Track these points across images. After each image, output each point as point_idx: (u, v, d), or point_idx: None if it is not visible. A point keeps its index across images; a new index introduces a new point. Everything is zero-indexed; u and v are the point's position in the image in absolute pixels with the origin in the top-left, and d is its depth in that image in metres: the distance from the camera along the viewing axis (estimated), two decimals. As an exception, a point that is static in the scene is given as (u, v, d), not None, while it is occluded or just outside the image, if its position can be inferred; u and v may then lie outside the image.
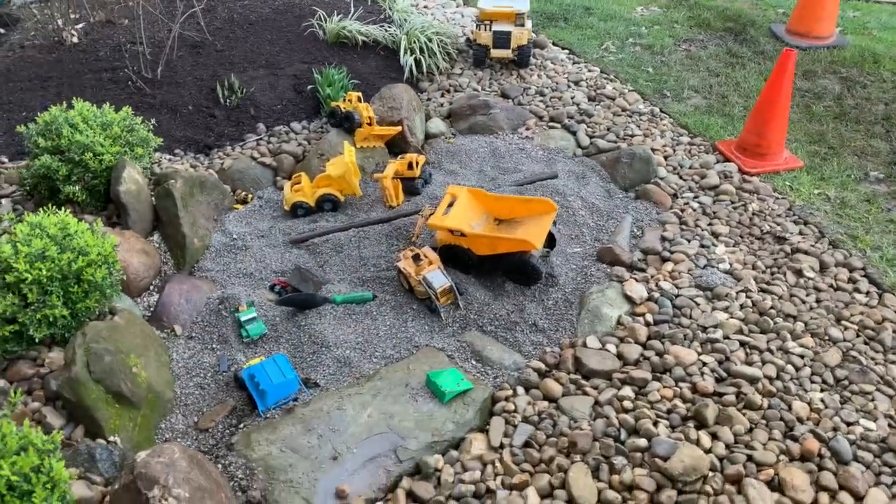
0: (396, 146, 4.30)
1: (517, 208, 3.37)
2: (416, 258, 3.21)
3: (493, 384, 2.83)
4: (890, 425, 2.57)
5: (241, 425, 2.65)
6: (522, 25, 5.10)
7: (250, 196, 3.96)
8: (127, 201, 3.41)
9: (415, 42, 5.16)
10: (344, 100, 4.27)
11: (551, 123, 4.57)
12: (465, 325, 3.11)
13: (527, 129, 4.54)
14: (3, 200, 3.57)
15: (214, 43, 5.17)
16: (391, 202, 3.80)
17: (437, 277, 3.12)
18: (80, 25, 5.50)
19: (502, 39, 5.05)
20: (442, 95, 4.98)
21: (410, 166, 3.85)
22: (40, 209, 3.14)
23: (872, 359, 2.85)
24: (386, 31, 5.37)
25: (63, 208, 3.11)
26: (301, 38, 5.37)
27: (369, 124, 4.13)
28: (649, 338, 2.95)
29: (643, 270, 3.33)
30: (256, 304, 3.13)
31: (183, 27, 5.07)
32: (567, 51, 5.63)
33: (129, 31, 5.47)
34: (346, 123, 4.16)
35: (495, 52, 5.11)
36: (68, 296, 2.67)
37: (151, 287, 3.28)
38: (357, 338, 3.03)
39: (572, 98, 4.82)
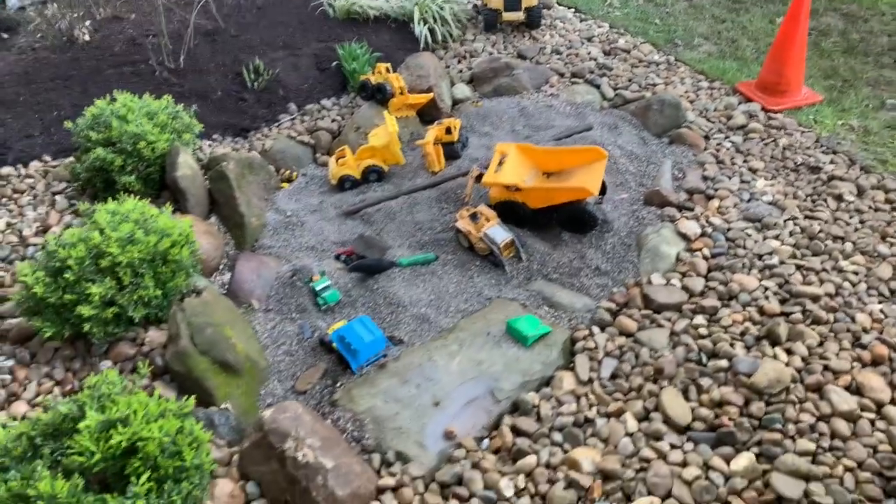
0: (427, 114, 4.38)
1: (567, 159, 3.48)
2: (474, 217, 3.33)
3: (570, 326, 2.96)
4: (948, 326, 2.75)
5: (338, 384, 2.77)
6: (531, -12, 5.17)
7: (295, 174, 4.04)
8: (185, 186, 3.48)
9: (427, 12, 5.22)
10: (373, 72, 4.34)
11: (574, 79, 4.67)
12: (530, 275, 3.23)
13: (551, 86, 4.64)
14: (58, 197, 3.62)
15: (228, 29, 5.19)
16: (434, 167, 3.90)
17: (499, 232, 3.24)
18: (89, 23, 5.49)
19: (513, 2, 5.12)
20: (459, 62, 5.05)
21: (448, 131, 3.94)
22: (97, 202, 3.22)
23: (922, 269, 3.03)
24: (395, 3, 5.42)
25: (118, 199, 3.20)
26: (312, 18, 5.40)
27: (402, 94, 4.21)
28: (710, 270, 3.10)
29: (691, 209, 3.46)
30: (327, 273, 3.23)
31: (198, 16, 5.08)
32: (573, 9, 5.71)
33: (139, 24, 5.47)
34: (379, 95, 4.23)
35: (507, 15, 5.19)
36: (158, 276, 2.75)
37: (221, 266, 3.37)
38: (429, 296, 3.15)
39: (588, 54, 4.92)
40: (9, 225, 3.41)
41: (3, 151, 3.99)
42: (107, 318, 2.61)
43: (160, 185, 3.60)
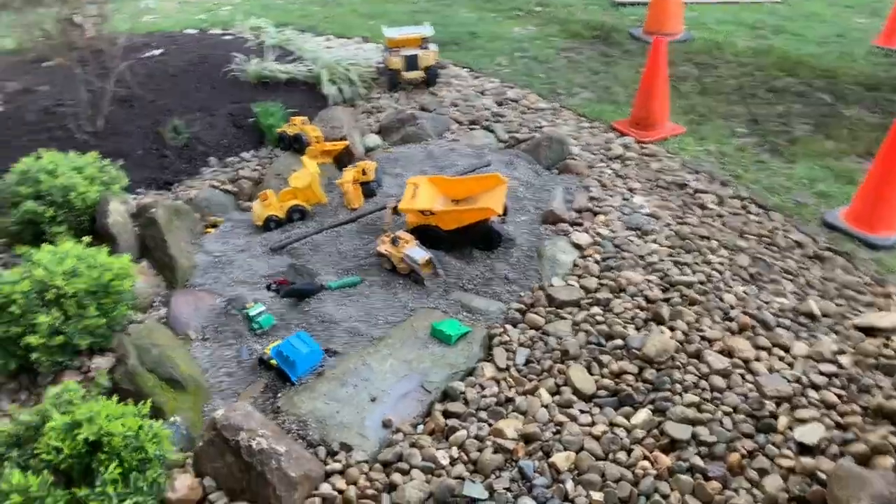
0: (342, 161, 4.76)
1: (472, 186, 3.92)
2: (395, 241, 3.68)
3: (486, 326, 3.32)
4: (797, 298, 3.31)
5: (279, 395, 2.99)
6: (427, 48, 5.74)
7: (220, 220, 4.28)
8: (116, 231, 3.66)
9: (334, 73, 5.67)
10: (289, 125, 4.70)
11: (471, 126, 5.20)
12: (448, 288, 3.59)
13: (451, 133, 5.14)
14: (-12, 252, 3.71)
15: (144, 95, 5.44)
16: (353, 205, 4.24)
17: (417, 252, 3.60)
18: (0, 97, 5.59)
19: (412, 62, 5.67)
20: (368, 117, 5.50)
21: (364, 172, 4.31)
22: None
23: (772, 256, 3.62)
24: (304, 68, 5.85)
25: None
26: (224, 83, 5.73)
27: (318, 142, 4.58)
28: (602, 271, 3.57)
29: (581, 224, 3.95)
30: (260, 301, 3.47)
31: (111, 85, 5.30)
32: (466, 68, 6.33)
33: (51, 95, 5.62)
34: (296, 144, 4.58)
35: (407, 74, 5.72)
36: (101, 307, 2.92)
37: (155, 303, 3.54)
38: (359, 312, 3.44)
39: (483, 105, 5.49)
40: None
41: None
42: (54, 348, 2.75)
43: (90, 233, 3.75)
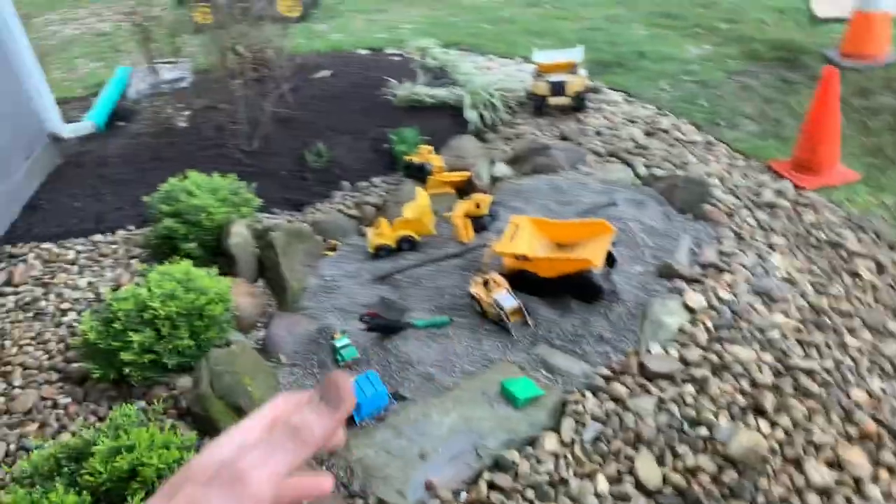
0: (465, 189, 4.70)
1: (576, 232, 3.68)
2: (486, 283, 3.56)
3: (563, 390, 3.09)
4: (951, 407, 2.66)
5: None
6: (576, 73, 5.50)
7: (338, 244, 4.44)
8: (236, 252, 3.94)
9: (477, 99, 5.64)
10: (417, 153, 4.75)
11: (609, 158, 4.89)
12: (535, 340, 3.39)
13: (586, 165, 4.87)
14: (133, 261, 4.19)
15: (302, 116, 5.82)
16: (462, 238, 4.18)
17: (506, 298, 3.45)
18: (188, 112, 6.31)
19: (559, 88, 5.46)
20: (506, 143, 5.40)
21: (478, 205, 4.23)
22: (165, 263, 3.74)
23: (932, 348, 2.95)
24: (452, 92, 5.89)
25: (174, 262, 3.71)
26: (377, 106, 5.96)
27: (440, 172, 4.58)
28: (710, 341, 3.15)
29: (700, 283, 3.53)
30: (349, 333, 3.54)
31: (275, 105, 5.75)
32: (622, 93, 5.97)
33: (229, 112, 6.23)
34: (420, 174, 4.62)
35: (553, 100, 5.52)
36: (193, 329, 3.15)
37: (258, 324, 3.76)
38: (438, 356, 3.37)
39: (629, 134, 5.13)
40: (90, 283, 3.98)
41: (99, 221, 4.66)
42: (145, 364, 3.02)
43: (216, 251, 4.08)
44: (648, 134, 5.16)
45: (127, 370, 2.98)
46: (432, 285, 3.91)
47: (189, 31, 7.11)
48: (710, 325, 3.24)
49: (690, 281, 3.56)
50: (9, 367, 3.35)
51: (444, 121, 5.69)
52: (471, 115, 5.55)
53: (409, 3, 10.91)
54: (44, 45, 11.07)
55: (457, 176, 4.62)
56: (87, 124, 6.08)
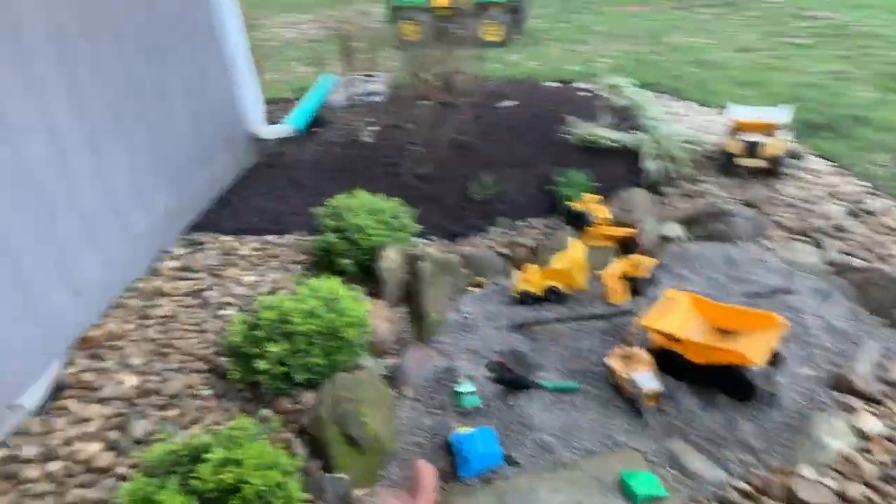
0: (628, 245, 4.45)
1: (739, 319, 3.31)
2: (627, 357, 3.31)
3: (690, 497, 2.77)
4: None
5: (445, 485, 2.95)
6: (776, 136, 5.00)
7: (485, 281, 4.39)
8: (384, 276, 4.03)
9: (659, 147, 5.33)
10: (581, 200, 4.58)
11: (796, 236, 4.37)
12: (669, 431, 3.09)
13: (768, 239, 4.39)
14: (297, 266, 4.43)
15: (478, 145, 5.86)
16: (614, 299, 3.94)
17: (645, 379, 3.18)
18: (375, 128, 6.61)
19: (752, 149, 5.00)
20: (682, 200, 5.04)
21: (637, 266, 3.97)
22: (322, 276, 3.91)
23: None
24: (634, 137, 5.62)
25: (337, 277, 3.86)
26: (553, 142, 5.84)
27: (601, 224, 4.36)
28: (879, 478, 2.68)
29: (880, 404, 3.02)
30: (474, 379, 3.46)
31: (455, 131, 5.85)
32: (829, 162, 5.34)
33: (411, 133, 6.44)
34: (580, 222, 4.44)
35: (745, 161, 5.07)
36: (327, 349, 3.25)
37: (392, 350, 3.80)
38: (559, 425, 3.18)
39: (827, 212, 4.56)
40: (253, 281, 4.27)
41: (275, 223, 5.00)
42: (276, 375, 3.16)
43: (368, 271, 4.20)
44: (852, 214, 4.55)
45: (260, 377, 3.13)
46: (570, 345, 3.72)
47: (394, 46, 7.44)
48: (883, 459, 2.75)
49: (869, 400, 3.05)
50: (169, 350, 3.67)
51: (620, 167, 5.44)
52: (649, 164, 5.25)
53: (613, 37, 10.67)
54: (264, 46, 12.26)
55: (620, 231, 4.38)
56: (287, 127, 6.56)
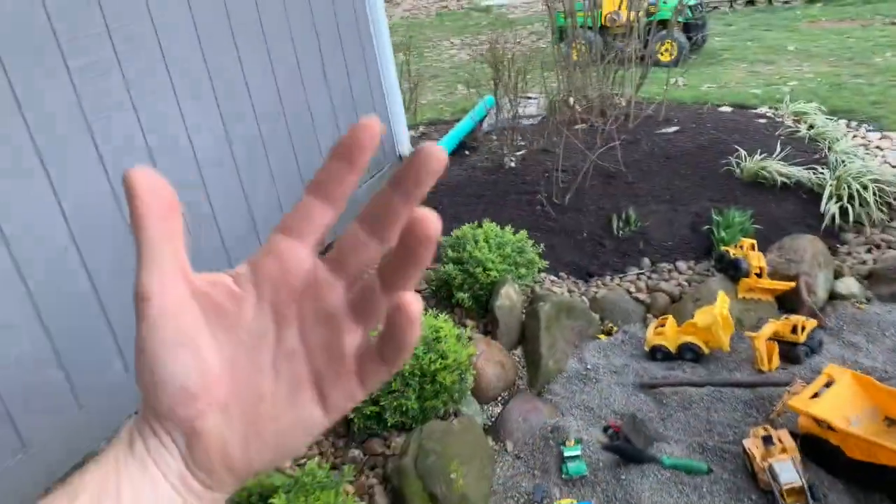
0: (789, 302, 3.81)
1: (918, 413, 2.64)
2: (768, 440, 2.77)
3: None
4: None
5: (531, 564, 2.62)
6: None
7: (615, 328, 3.97)
8: (499, 315, 3.78)
9: (844, 188, 4.56)
10: (736, 245, 4.01)
11: None
12: (814, 540, 2.52)
13: (980, 308, 3.55)
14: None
15: (627, 174, 5.42)
16: (762, 365, 3.37)
17: (787, 470, 2.63)
18: (521, 152, 6.38)
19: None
20: (868, 251, 4.25)
21: (794, 330, 3.36)
22: (438, 308, 3.77)
23: None
24: (815, 173, 4.88)
25: (454, 310, 3.70)
26: (715, 175, 5.24)
27: (758, 275, 3.78)
28: None
29: None
30: (584, 442, 3.09)
31: (602, 158, 5.45)
32: None
33: (557, 160, 6.12)
34: (732, 271, 3.88)
35: (953, 208, 4.18)
36: (422, 392, 3.06)
37: (499, 398, 3.53)
38: (676, 512, 2.73)
39: None
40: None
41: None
42: (367, 414, 3.02)
43: (487, 307, 3.97)
44: None
45: (351, 416, 3.01)
46: (703, 415, 3.21)
47: (561, 67, 7.14)
48: None
49: None
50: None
51: (793, 207, 4.74)
52: (830, 206, 4.51)
53: (806, 57, 9.56)
54: (433, 67, 12.50)
55: (778, 284, 3.76)
56: (436, 150, 6.51)
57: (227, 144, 3.95)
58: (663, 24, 9.79)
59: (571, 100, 6.74)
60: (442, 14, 19.14)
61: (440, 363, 3.07)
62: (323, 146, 4.97)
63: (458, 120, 7.79)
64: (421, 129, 8.38)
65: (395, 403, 3.02)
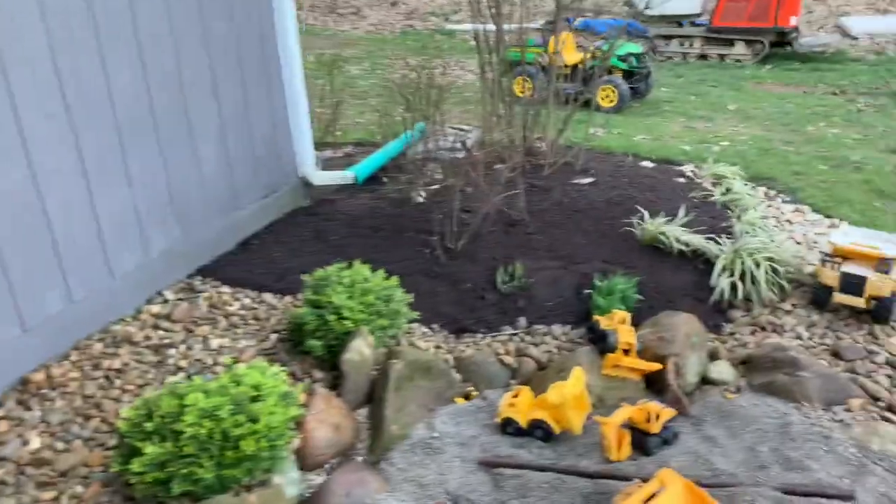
0: (658, 383, 3.59)
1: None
2: (590, 549, 2.50)
3: None
4: None
5: None
6: (887, 272, 3.93)
7: (475, 393, 3.69)
8: (347, 370, 3.46)
9: (739, 262, 4.38)
10: (609, 315, 3.78)
11: (888, 414, 3.31)
12: None
13: (847, 410, 3.36)
14: (273, 335, 3.96)
15: (529, 224, 5.18)
16: (610, 455, 3.11)
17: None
18: (435, 187, 6.09)
19: (852, 285, 3.96)
20: (753, 333, 4.07)
21: (649, 418, 3.12)
22: (287, 354, 3.48)
23: None
24: (715, 243, 4.71)
25: (305, 358, 3.42)
26: (615, 235, 5.03)
27: (626, 352, 3.54)
28: None
29: None
30: (402, 528, 2.79)
31: (510, 204, 5.20)
32: (964, 313, 4.14)
33: (467, 199, 5.86)
34: (602, 343, 3.64)
35: (841, 298, 4.03)
36: (220, 460, 2.71)
37: (327, 465, 3.20)
38: None
39: (941, 384, 3.46)
40: (220, 346, 3.83)
41: (279, 279, 4.55)
42: (146, 482, 2.66)
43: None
44: (978, 392, 3.41)
45: (132, 478, 2.65)
46: (545, 500, 2.93)
47: (504, 101, 6.87)
48: None
49: None
50: (94, 413, 3.31)
51: (687, 277, 4.55)
52: (719, 281, 4.33)
53: (745, 117, 9.58)
54: (379, 85, 12.17)
55: (643, 364, 3.53)
56: (346, 175, 6.14)
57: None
58: (609, 70, 9.72)
59: (503, 136, 6.50)
60: (406, 32, 18.94)
61: (248, 427, 2.73)
62: (203, 157, 4.63)
63: (386, 143, 7.45)
64: (347, 149, 8.04)
65: (184, 471, 2.66)
